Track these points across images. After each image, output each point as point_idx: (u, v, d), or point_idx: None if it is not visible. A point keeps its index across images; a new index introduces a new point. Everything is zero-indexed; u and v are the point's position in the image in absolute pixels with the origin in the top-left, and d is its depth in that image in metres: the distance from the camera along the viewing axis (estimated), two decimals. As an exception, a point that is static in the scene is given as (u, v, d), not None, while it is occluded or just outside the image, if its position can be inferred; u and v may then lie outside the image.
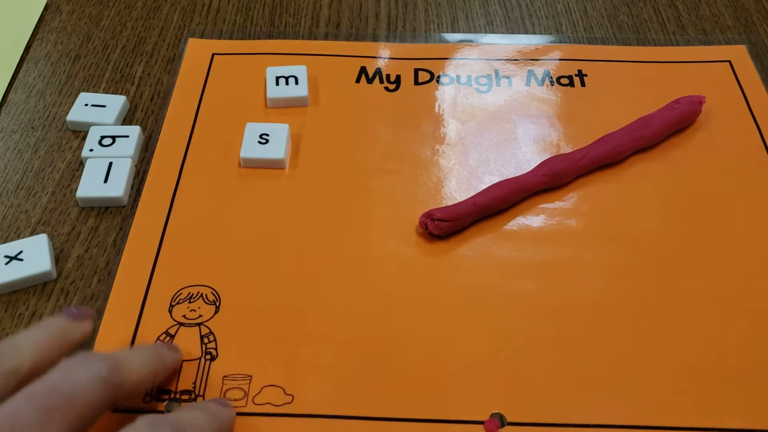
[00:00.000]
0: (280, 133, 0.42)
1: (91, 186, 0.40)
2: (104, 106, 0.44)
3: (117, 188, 0.40)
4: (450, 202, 0.39)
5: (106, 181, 0.40)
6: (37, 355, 0.27)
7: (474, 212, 0.38)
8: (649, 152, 0.43)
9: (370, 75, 0.47)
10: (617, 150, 0.41)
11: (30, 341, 0.27)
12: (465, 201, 0.39)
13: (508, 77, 0.47)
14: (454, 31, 0.50)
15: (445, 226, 0.38)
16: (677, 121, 0.43)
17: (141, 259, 0.37)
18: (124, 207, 0.40)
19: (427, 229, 0.38)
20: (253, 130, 0.42)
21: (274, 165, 0.41)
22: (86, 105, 0.45)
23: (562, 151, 0.42)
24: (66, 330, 0.29)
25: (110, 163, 0.41)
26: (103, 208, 0.40)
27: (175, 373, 0.33)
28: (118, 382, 0.27)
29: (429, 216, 0.38)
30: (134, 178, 0.41)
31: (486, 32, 0.50)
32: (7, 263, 0.36)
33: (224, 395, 0.33)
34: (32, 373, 0.26)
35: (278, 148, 0.41)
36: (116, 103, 0.45)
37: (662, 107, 0.43)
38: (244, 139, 0.42)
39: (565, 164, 0.40)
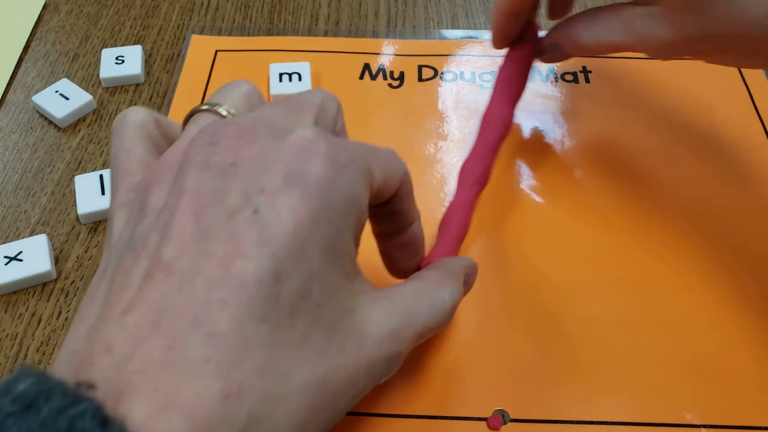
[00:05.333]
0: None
1: (90, 201, 0.39)
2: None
3: None
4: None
5: (103, 193, 0.39)
6: None
7: (457, 247, 0.36)
8: (652, 149, 0.42)
9: (374, 71, 0.46)
10: (499, 117, 0.39)
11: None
12: (445, 243, 0.35)
13: (511, 73, 0.46)
14: (454, 28, 0.50)
15: None
16: (526, 60, 0.40)
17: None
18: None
19: None
20: None
21: None
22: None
23: (567, 147, 0.42)
24: None
25: (101, 176, 0.40)
26: (103, 208, 0.40)
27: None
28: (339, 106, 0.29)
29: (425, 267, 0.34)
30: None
31: (486, 29, 0.50)
32: (6, 264, 0.36)
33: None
34: None
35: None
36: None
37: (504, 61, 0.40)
38: None
39: (480, 163, 0.38)
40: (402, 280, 0.29)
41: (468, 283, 0.31)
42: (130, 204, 0.25)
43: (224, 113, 0.26)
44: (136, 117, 0.28)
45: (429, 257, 0.33)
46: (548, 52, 0.39)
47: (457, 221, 0.36)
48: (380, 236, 0.31)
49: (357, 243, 0.25)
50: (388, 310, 0.25)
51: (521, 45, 0.39)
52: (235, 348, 0.20)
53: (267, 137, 0.24)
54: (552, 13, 0.41)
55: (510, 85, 0.39)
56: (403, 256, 0.31)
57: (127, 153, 0.27)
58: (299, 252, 0.22)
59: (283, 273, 0.21)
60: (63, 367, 0.21)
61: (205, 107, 0.26)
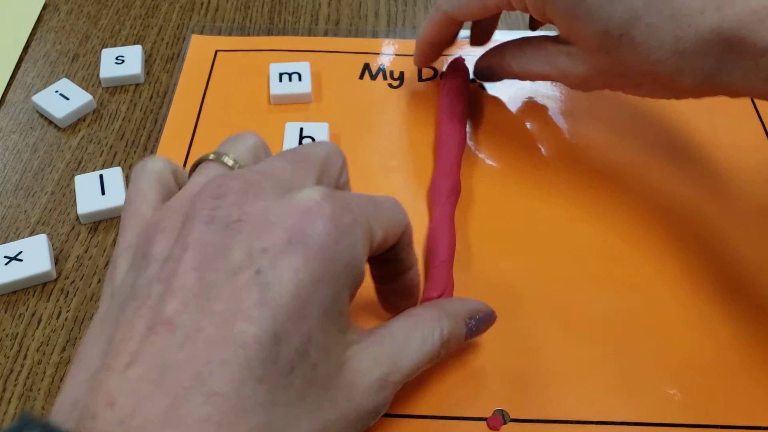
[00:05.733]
0: None
1: (90, 201, 0.39)
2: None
3: (118, 197, 0.39)
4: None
5: (103, 193, 0.39)
6: None
7: (450, 269, 0.36)
8: (652, 148, 0.42)
9: (374, 71, 0.47)
10: (453, 133, 0.41)
11: None
12: (438, 267, 0.35)
13: (511, 73, 0.47)
14: (455, 28, 0.50)
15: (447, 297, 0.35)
16: (460, 88, 0.44)
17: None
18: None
19: None
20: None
21: None
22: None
23: (566, 147, 0.42)
24: None
25: (101, 176, 0.40)
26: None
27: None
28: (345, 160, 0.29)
29: (428, 301, 0.34)
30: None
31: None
32: (6, 264, 0.36)
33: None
34: None
35: None
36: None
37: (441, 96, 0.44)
38: None
39: (449, 176, 0.39)
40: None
41: (475, 329, 0.31)
42: (134, 248, 0.25)
43: (230, 163, 0.27)
44: (155, 165, 0.29)
45: (428, 286, 0.34)
46: (482, 72, 0.43)
47: (444, 242, 0.36)
48: (378, 279, 0.32)
49: (353, 297, 0.26)
50: (377, 356, 0.26)
51: (455, 76, 0.44)
52: (234, 408, 0.20)
53: (272, 193, 0.24)
54: (474, 42, 0.45)
55: (455, 108, 0.42)
56: (398, 298, 0.32)
57: (141, 195, 0.27)
58: (299, 314, 0.22)
59: (283, 334, 0.22)
60: (64, 415, 0.21)
61: (212, 157, 0.27)
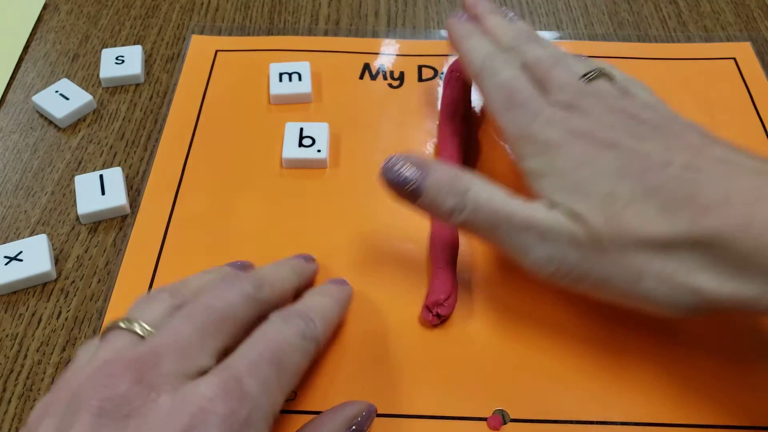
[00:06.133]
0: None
1: (90, 201, 0.39)
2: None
3: (118, 197, 0.39)
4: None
5: (103, 193, 0.39)
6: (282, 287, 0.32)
7: (454, 272, 0.36)
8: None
9: (374, 71, 0.47)
10: (454, 132, 0.41)
11: (275, 276, 0.32)
12: (443, 270, 0.35)
13: (511, 73, 0.47)
14: (455, 28, 0.50)
15: (452, 300, 0.35)
16: (460, 94, 0.43)
17: (143, 258, 0.37)
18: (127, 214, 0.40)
19: (438, 316, 0.34)
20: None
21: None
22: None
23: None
24: (301, 267, 0.34)
25: (101, 176, 0.40)
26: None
27: (312, 279, 0.36)
28: (264, 299, 0.29)
29: (435, 304, 0.34)
30: (134, 177, 0.41)
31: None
32: (6, 264, 0.36)
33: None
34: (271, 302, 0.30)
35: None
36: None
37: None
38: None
39: None
40: None
41: (359, 430, 0.30)
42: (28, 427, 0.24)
43: (140, 332, 0.26)
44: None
45: (433, 289, 0.34)
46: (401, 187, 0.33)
47: (447, 244, 0.36)
48: None
49: None
50: None
51: (456, 76, 0.43)
52: None
53: (171, 376, 0.23)
54: None
55: (457, 108, 0.42)
56: None
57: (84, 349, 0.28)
58: None
59: None
60: None
61: (123, 324, 0.26)
